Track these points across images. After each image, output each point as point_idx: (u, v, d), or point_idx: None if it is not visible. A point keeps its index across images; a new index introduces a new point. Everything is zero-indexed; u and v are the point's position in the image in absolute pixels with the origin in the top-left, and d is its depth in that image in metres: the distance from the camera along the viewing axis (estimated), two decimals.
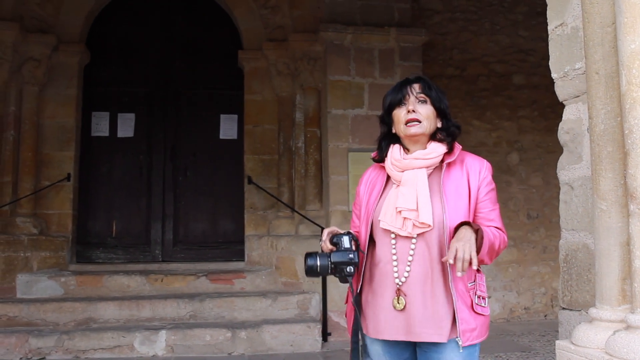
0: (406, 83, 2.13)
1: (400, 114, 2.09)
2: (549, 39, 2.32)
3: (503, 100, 7.36)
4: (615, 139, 1.84)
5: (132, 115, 7.15)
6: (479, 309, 1.98)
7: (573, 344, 1.91)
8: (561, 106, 2.27)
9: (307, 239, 6.36)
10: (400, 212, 1.97)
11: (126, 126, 7.13)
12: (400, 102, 2.09)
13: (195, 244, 7.10)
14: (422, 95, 2.09)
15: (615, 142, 1.83)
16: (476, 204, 2.04)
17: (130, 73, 7.19)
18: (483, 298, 2.01)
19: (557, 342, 2.03)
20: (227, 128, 7.27)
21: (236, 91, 7.17)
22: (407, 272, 1.98)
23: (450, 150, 2.07)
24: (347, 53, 6.35)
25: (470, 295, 1.98)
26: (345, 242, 1.98)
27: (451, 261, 1.84)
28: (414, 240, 1.99)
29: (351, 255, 1.97)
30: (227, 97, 7.27)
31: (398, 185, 2.05)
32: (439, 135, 2.09)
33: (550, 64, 2.31)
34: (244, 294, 6.14)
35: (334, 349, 5.57)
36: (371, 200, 2.11)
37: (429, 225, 1.95)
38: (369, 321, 2.06)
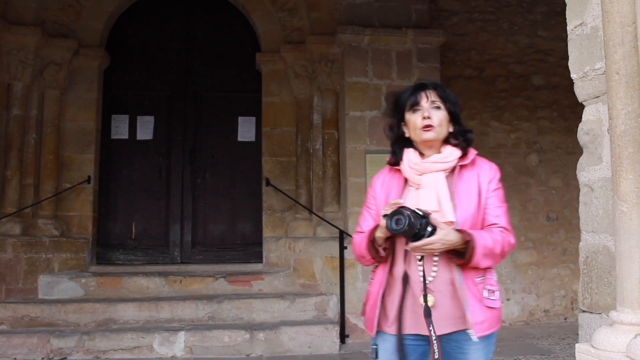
0: (421, 88, 2.16)
1: (415, 120, 2.13)
2: (569, 39, 2.30)
3: (522, 101, 7.31)
4: (636, 139, 1.81)
5: (151, 118, 7.22)
6: (488, 302, 2.04)
7: (593, 347, 1.89)
8: (581, 107, 2.25)
9: (325, 240, 6.37)
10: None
11: (145, 129, 7.20)
12: (414, 107, 2.14)
13: (214, 246, 7.14)
14: (438, 101, 2.14)
15: (636, 143, 1.81)
16: (485, 200, 2.11)
17: (149, 76, 7.27)
18: (493, 292, 2.06)
19: (577, 345, 2.01)
20: (245, 130, 7.31)
21: (254, 94, 7.20)
22: (435, 271, 2.04)
23: (464, 154, 2.13)
24: (365, 55, 6.35)
25: (479, 290, 2.03)
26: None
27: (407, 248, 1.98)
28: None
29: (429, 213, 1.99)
30: (245, 100, 7.31)
31: (417, 188, 2.10)
32: (452, 140, 2.15)
33: (569, 64, 2.29)
34: (262, 295, 6.16)
35: (352, 350, 5.56)
36: (387, 202, 2.12)
37: (453, 222, 2.01)
38: (388, 318, 2.10)
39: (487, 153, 7.07)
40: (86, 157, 6.81)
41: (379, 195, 2.21)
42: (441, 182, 2.07)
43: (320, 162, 6.81)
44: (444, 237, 1.93)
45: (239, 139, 7.31)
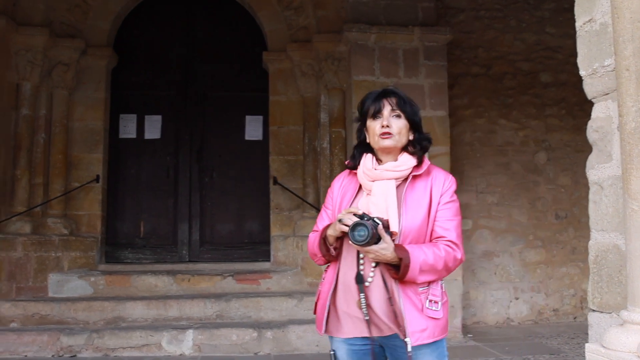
0: (383, 95, 2.18)
1: (375, 127, 2.15)
2: (577, 35, 2.29)
3: (530, 98, 7.27)
4: None
5: (158, 118, 7.24)
6: (430, 313, 2.05)
7: (604, 347, 1.88)
8: (590, 104, 2.24)
9: None
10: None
11: (153, 128, 7.22)
12: (375, 115, 2.16)
13: (222, 245, 7.15)
14: (397, 110, 2.15)
15: None
16: (435, 212, 2.11)
17: (156, 75, 7.29)
18: (436, 302, 2.07)
19: (587, 345, 2.00)
20: (252, 129, 7.32)
21: (261, 92, 7.21)
22: (371, 276, 2.07)
23: (419, 163, 2.15)
24: (372, 53, 6.34)
25: (421, 300, 2.04)
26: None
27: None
28: None
29: (386, 220, 2.02)
30: (252, 99, 7.31)
31: (368, 194, 2.13)
32: (410, 148, 2.17)
33: (578, 61, 2.28)
34: (270, 294, 6.17)
35: None
36: (343, 205, 2.19)
37: (396, 234, 2.04)
38: (339, 321, 2.16)
39: (495, 151, 7.07)
40: (94, 157, 6.84)
41: (336, 197, 2.26)
42: (390, 190, 2.09)
43: (328, 161, 6.80)
44: (380, 250, 1.95)
45: (246, 138, 7.32)
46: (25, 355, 5.23)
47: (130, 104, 7.24)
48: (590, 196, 2.24)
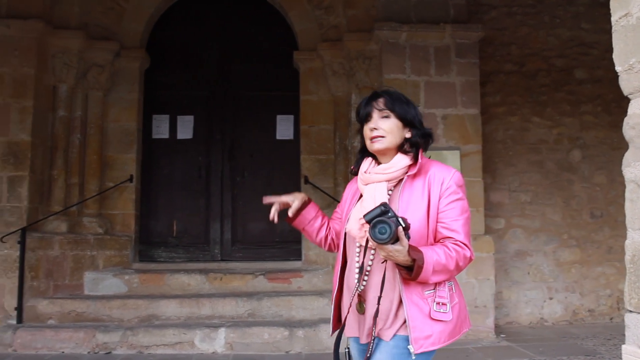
0: (371, 99, 2.18)
1: (366, 131, 2.17)
2: (613, 30, 2.24)
3: (564, 95, 7.15)
4: None
5: (191, 118, 7.33)
6: (437, 315, 1.99)
7: None
8: (626, 100, 2.19)
9: None
10: (363, 224, 2.00)
11: (185, 128, 7.31)
12: (366, 119, 2.16)
13: (253, 244, 7.21)
14: (385, 110, 2.12)
15: None
16: (437, 214, 2.04)
17: (188, 76, 7.38)
18: (444, 304, 2.01)
19: (623, 346, 1.96)
20: (284, 129, 7.35)
21: (292, 92, 7.23)
22: (365, 280, 2.07)
23: (415, 162, 2.09)
24: (403, 51, 6.31)
25: (428, 303, 1.99)
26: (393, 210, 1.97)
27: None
28: (372, 251, 2.07)
29: (408, 221, 1.95)
30: (283, 98, 7.35)
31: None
32: (407, 147, 2.13)
33: (614, 56, 2.23)
34: (301, 293, 6.19)
35: None
36: (347, 210, 2.23)
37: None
38: (349, 320, 2.17)
39: (528, 149, 6.97)
40: (128, 157, 6.96)
41: (343, 204, 2.32)
42: (380, 193, 2.05)
43: None
44: (394, 251, 1.89)
45: (278, 137, 7.36)
46: (63, 352, 5.36)
47: (163, 104, 7.34)
48: (627, 194, 2.19)
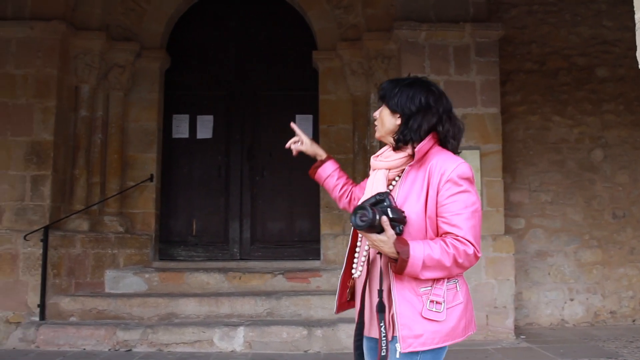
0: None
1: None
2: (636, 28, 2.21)
3: (585, 94, 7.07)
4: None
5: (210, 117, 7.38)
6: (429, 314, 1.87)
7: None
8: None
9: None
10: None
11: (205, 128, 7.36)
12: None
13: (272, 243, 7.23)
14: (380, 100, 2.11)
15: None
16: (436, 207, 1.92)
17: (208, 76, 7.43)
18: (438, 303, 1.88)
19: None
20: (303, 128, 7.22)
21: (311, 91, 7.25)
22: (360, 269, 2.03)
23: (423, 152, 1.99)
24: (422, 50, 6.28)
25: (422, 300, 1.88)
26: (392, 200, 1.91)
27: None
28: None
29: (404, 214, 1.90)
30: (302, 98, 7.36)
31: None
32: (393, 137, 2.05)
33: (637, 54, 2.21)
34: (319, 292, 6.19)
35: None
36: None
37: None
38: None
39: (548, 149, 6.91)
40: (149, 156, 7.02)
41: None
42: (378, 181, 2.02)
43: None
44: (378, 241, 1.84)
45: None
46: (84, 349, 5.43)
47: (183, 104, 7.40)
48: None
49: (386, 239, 1.82)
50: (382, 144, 2.22)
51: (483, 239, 5.85)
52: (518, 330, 6.15)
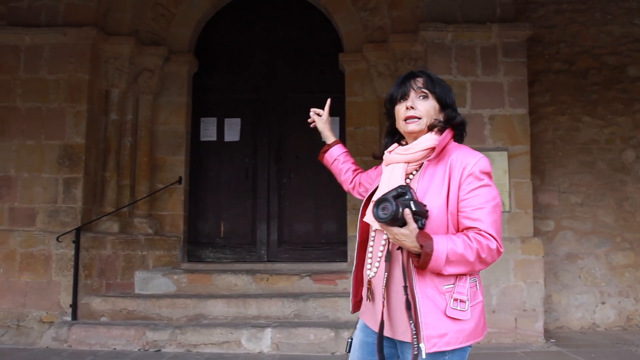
0: (409, 77, 2.04)
1: (400, 110, 2.03)
2: None
3: (616, 94, 6.95)
4: None
5: (238, 120, 7.45)
6: (453, 313, 1.82)
7: None
8: None
9: None
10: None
11: (232, 131, 7.43)
12: (402, 97, 2.03)
13: (299, 245, 7.26)
14: (424, 90, 1.99)
15: None
16: (457, 202, 1.87)
17: (235, 79, 7.50)
18: (462, 301, 1.83)
19: None
20: None
21: (337, 94, 7.23)
22: (377, 267, 1.97)
23: (443, 146, 1.95)
24: (448, 52, 6.24)
25: (445, 299, 1.83)
26: (414, 194, 1.86)
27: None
28: (384, 236, 1.94)
29: (427, 208, 1.85)
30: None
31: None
32: (437, 127, 1.99)
33: None
34: (346, 294, 6.19)
35: None
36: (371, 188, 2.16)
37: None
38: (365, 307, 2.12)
39: (578, 149, 6.81)
40: (177, 159, 7.12)
41: (373, 172, 2.36)
42: (396, 175, 1.95)
43: None
44: (399, 234, 1.78)
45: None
46: (114, 348, 5.51)
47: (211, 107, 7.48)
48: None
49: (408, 233, 1.77)
50: (390, 129, 2.17)
51: (512, 241, 5.79)
52: (548, 334, 6.06)
